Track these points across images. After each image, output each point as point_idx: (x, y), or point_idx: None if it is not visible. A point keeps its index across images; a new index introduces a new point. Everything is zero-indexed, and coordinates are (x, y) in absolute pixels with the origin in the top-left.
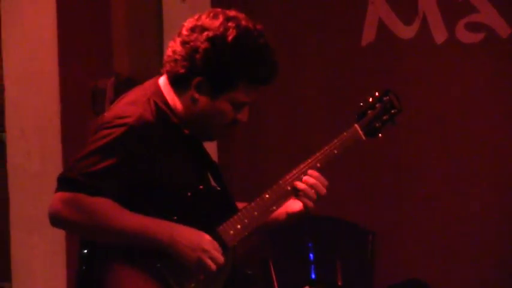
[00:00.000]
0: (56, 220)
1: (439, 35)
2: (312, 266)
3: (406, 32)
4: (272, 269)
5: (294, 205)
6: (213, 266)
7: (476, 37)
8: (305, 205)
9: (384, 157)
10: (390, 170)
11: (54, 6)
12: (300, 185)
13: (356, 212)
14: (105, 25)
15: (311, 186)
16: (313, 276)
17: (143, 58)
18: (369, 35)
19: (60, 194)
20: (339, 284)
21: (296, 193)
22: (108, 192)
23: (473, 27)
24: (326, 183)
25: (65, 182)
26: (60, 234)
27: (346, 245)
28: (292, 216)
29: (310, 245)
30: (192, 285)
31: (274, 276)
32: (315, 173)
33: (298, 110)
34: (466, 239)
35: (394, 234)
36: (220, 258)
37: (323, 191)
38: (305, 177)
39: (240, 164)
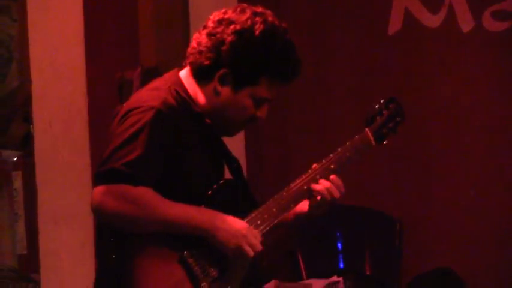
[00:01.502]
0: (101, 213)
1: (466, 24)
2: (340, 256)
3: (433, 20)
4: (300, 259)
5: (303, 207)
6: (251, 252)
7: (503, 25)
8: (312, 207)
9: (411, 147)
10: (418, 160)
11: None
12: (315, 186)
13: (384, 201)
14: (131, 17)
15: (326, 189)
16: (341, 265)
17: (169, 49)
18: (395, 24)
19: (102, 187)
20: (367, 273)
21: (311, 194)
22: (147, 180)
23: (500, 15)
24: (342, 189)
25: (105, 175)
26: (88, 225)
27: (374, 234)
28: (299, 218)
29: (338, 234)
30: (215, 273)
31: (302, 266)
32: (333, 177)
33: (325, 100)
34: (492, 228)
35: (421, 223)
36: (258, 246)
37: (337, 194)
38: (321, 180)
39: (268, 158)
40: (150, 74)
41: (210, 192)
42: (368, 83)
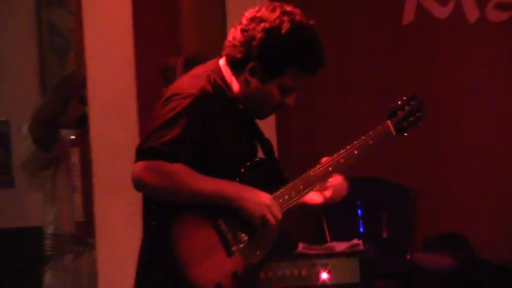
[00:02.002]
0: (140, 186)
1: (472, 15)
2: (360, 221)
3: (442, 12)
4: (325, 224)
5: (315, 197)
6: (273, 220)
7: (505, 15)
8: (326, 197)
9: (424, 126)
10: (430, 137)
11: None
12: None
13: (399, 173)
14: (175, 10)
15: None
16: (361, 230)
17: (208, 40)
18: (408, 15)
19: (141, 163)
20: (384, 236)
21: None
22: (182, 158)
23: (502, 6)
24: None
25: (144, 152)
26: (136, 195)
27: (390, 202)
28: (309, 207)
29: (358, 202)
30: (245, 239)
31: (327, 231)
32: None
33: (348, 86)
34: (496, 197)
35: (432, 192)
36: (279, 215)
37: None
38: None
39: (297, 142)
40: (191, 62)
41: (242, 170)
42: (385, 70)
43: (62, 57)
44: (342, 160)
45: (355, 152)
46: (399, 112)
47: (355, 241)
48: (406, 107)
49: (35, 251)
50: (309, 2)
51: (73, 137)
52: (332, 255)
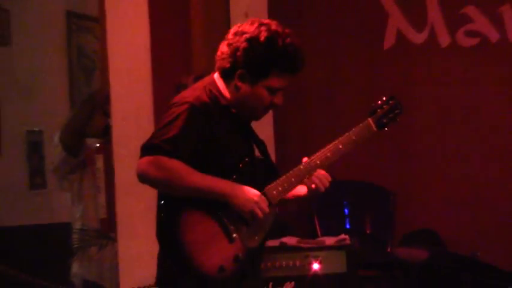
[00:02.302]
0: (142, 178)
1: (444, 40)
2: (347, 219)
3: (418, 37)
4: (316, 221)
5: (301, 189)
6: (260, 214)
7: (473, 41)
8: (311, 189)
9: (403, 136)
10: (408, 145)
11: (147, 21)
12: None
13: (381, 177)
14: (187, 36)
15: (320, 180)
16: (348, 226)
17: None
18: (389, 40)
19: (145, 158)
20: (367, 232)
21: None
22: (181, 154)
23: (470, 33)
24: (328, 178)
25: (147, 149)
26: (153, 195)
27: (373, 202)
28: (296, 199)
29: (345, 202)
30: (244, 229)
31: (318, 226)
32: (323, 172)
33: (336, 97)
34: (466, 197)
35: (410, 194)
36: (266, 209)
37: (325, 185)
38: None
39: (293, 140)
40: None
41: (240, 165)
42: (368, 84)
43: (88, 76)
44: (329, 154)
45: (340, 146)
46: (379, 110)
47: (343, 236)
48: (384, 106)
49: (64, 244)
50: (300, 29)
51: (98, 145)
52: (322, 248)
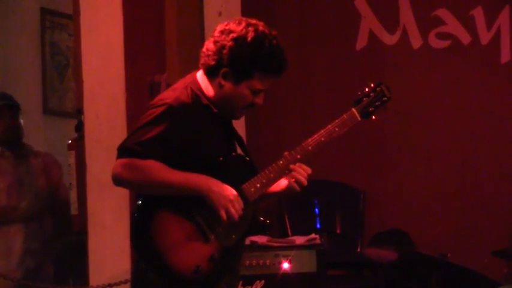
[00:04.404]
0: (118, 181)
1: (416, 42)
2: (317, 218)
3: (391, 39)
4: (287, 220)
5: (280, 183)
6: (235, 214)
7: (445, 43)
8: (291, 183)
9: (375, 135)
10: (378, 145)
11: (121, 19)
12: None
13: (352, 177)
14: (160, 33)
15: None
16: (318, 226)
17: (188, 60)
18: (362, 41)
19: (119, 161)
20: (337, 232)
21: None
22: (155, 155)
23: (442, 35)
24: (309, 171)
25: (122, 151)
26: (124, 192)
27: (343, 202)
28: (277, 194)
29: (315, 202)
30: (220, 229)
31: (288, 225)
32: (304, 167)
33: (309, 96)
34: (435, 198)
35: (380, 193)
36: (240, 210)
37: (304, 181)
38: (295, 167)
39: (265, 138)
40: (172, 78)
41: (220, 158)
42: (340, 84)
43: (62, 73)
44: (310, 148)
45: (322, 139)
46: (364, 99)
47: (313, 235)
48: (371, 94)
49: None
50: (278, 25)
51: (70, 141)
52: (292, 247)
